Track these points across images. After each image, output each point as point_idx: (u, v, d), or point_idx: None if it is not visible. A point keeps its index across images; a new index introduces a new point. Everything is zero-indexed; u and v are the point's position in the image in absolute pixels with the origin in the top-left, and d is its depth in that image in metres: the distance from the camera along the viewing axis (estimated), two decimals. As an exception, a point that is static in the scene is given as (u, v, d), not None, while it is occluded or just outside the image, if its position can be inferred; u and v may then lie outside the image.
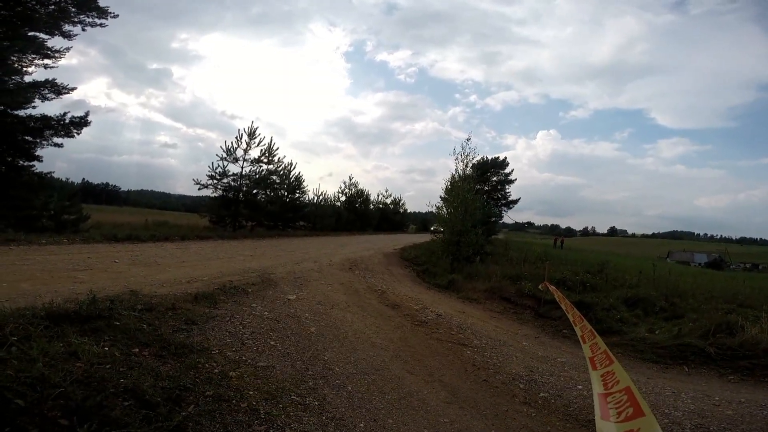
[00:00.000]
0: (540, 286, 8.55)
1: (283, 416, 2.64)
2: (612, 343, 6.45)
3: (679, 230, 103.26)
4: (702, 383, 4.93)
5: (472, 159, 14.08)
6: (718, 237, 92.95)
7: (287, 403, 2.83)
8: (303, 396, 3.03)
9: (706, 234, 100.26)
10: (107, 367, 2.74)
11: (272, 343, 4.03)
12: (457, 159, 13.64)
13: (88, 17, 11.58)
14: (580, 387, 4.27)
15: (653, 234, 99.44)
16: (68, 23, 11.30)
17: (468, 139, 13.96)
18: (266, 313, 4.97)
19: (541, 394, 4.02)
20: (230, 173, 18.19)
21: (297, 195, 22.09)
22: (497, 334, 6.16)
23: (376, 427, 2.90)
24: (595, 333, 2.56)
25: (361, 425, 2.85)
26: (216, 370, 3.06)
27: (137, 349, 3.20)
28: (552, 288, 6.87)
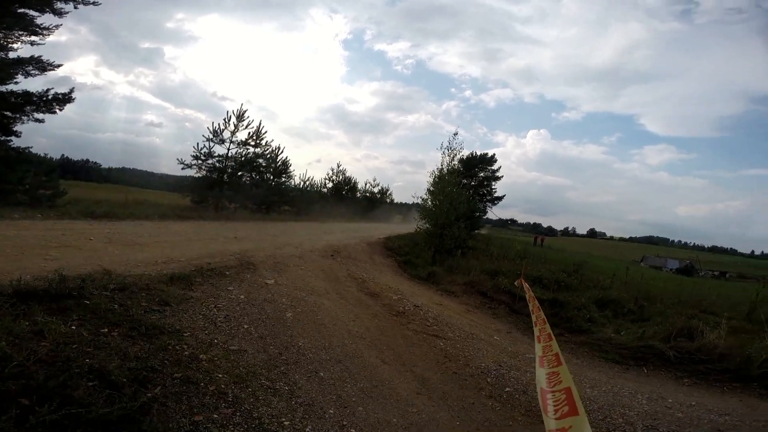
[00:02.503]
0: (516, 283, 8.73)
1: (251, 399, 2.67)
2: (579, 342, 6.67)
3: (655, 236, 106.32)
4: (658, 385, 5.11)
5: (459, 154, 14.15)
6: (692, 244, 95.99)
7: (256, 387, 2.86)
8: (273, 380, 3.06)
9: (680, 241, 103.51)
10: (74, 346, 2.71)
11: (246, 327, 4.03)
12: (444, 153, 13.67)
13: None
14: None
15: (630, 238, 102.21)
16: (61, 0, 10.89)
17: (455, 134, 14.06)
18: (242, 296, 4.96)
19: (507, 389, 4.13)
20: (216, 154, 17.89)
21: (283, 179, 21.90)
22: (471, 327, 6.28)
23: (345, 413, 2.96)
24: (552, 337, 2.67)
25: (331, 411, 2.90)
26: (186, 353, 3.06)
27: (106, 329, 3.16)
28: (526, 286, 7.02)
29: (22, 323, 2.82)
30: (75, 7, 11.23)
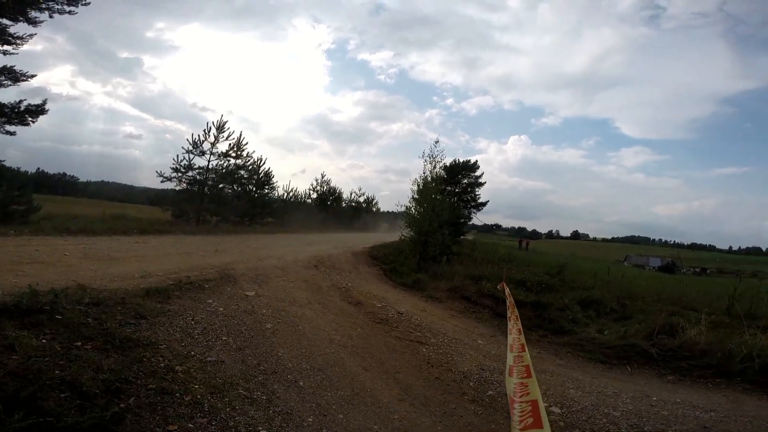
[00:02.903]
0: (498, 286, 8.84)
1: (228, 409, 2.66)
2: (563, 343, 6.74)
3: (636, 235, 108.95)
4: (642, 383, 5.14)
5: (441, 161, 14.34)
6: (672, 242, 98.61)
7: (233, 397, 2.84)
8: (251, 390, 3.04)
9: (661, 239, 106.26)
10: (45, 359, 2.66)
11: (224, 338, 4.00)
12: (426, 161, 13.85)
13: (57, 4, 11.01)
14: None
15: (612, 238, 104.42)
16: (35, 9, 10.72)
17: (437, 142, 14.25)
18: (221, 309, 4.91)
19: (489, 393, 4.16)
20: (196, 166, 17.69)
21: (266, 190, 21.75)
22: (455, 332, 6.33)
23: (325, 421, 2.95)
24: (525, 348, 2.72)
25: (310, 419, 2.90)
26: (162, 364, 3.03)
27: (80, 343, 3.11)
28: (507, 291, 7.11)
29: (-9, 338, 2.76)
30: (50, 16, 11.12)
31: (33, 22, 10.90)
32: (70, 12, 11.30)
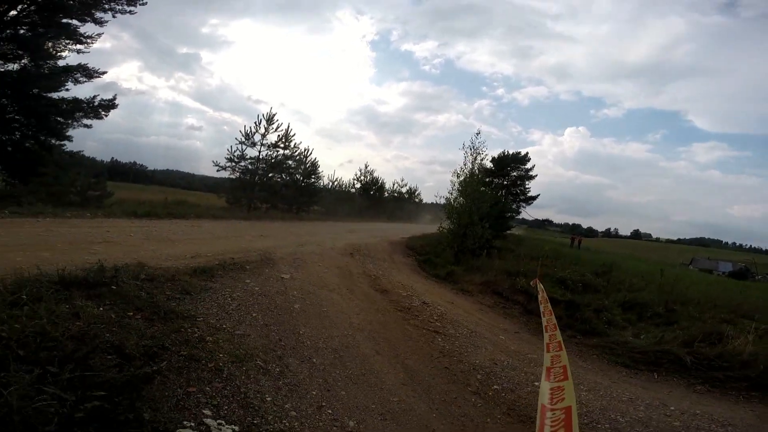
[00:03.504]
0: (531, 283, 8.73)
1: (243, 377, 3.06)
2: (591, 345, 6.60)
3: (706, 237, 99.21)
4: (664, 392, 4.96)
5: (483, 152, 14.10)
6: (748, 246, 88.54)
7: (251, 367, 3.25)
8: (267, 362, 3.45)
9: (734, 243, 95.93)
10: (101, 326, 3.21)
11: (254, 314, 4.46)
12: (466, 152, 13.71)
13: (118, 4, 12.24)
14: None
15: (678, 239, 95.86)
16: (100, 10, 11.98)
17: (478, 133, 13.98)
18: (257, 288, 5.42)
19: (494, 387, 4.27)
20: (248, 157, 18.89)
21: (312, 180, 22.66)
22: (477, 326, 6.44)
23: (328, 396, 3.29)
24: (563, 346, 2.57)
25: (314, 392, 3.25)
26: (196, 335, 3.51)
27: (131, 313, 3.67)
28: (540, 287, 7.01)
29: (62, 306, 3.36)
30: (113, 16, 12.36)
31: (99, 22, 12.15)
32: (130, 12, 12.51)
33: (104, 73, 12.45)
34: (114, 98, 12.29)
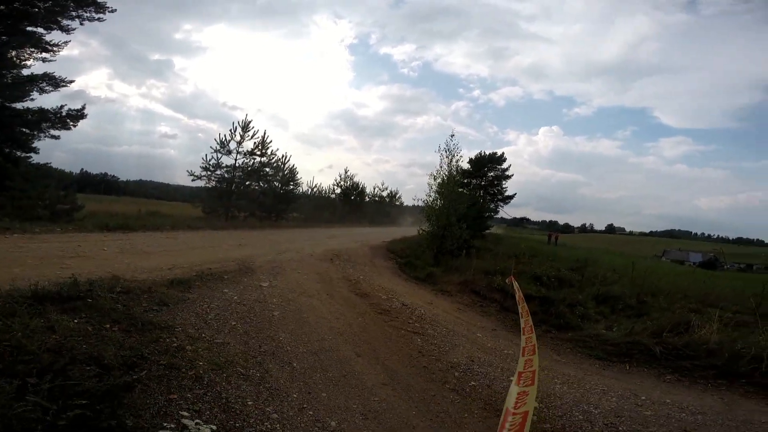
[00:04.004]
0: (507, 281, 8.99)
1: (223, 383, 3.12)
2: (565, 339, 6.80)
3: (677, 229, 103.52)
4: (637, 382, 5.11)
5: (458, 154, 14.37)
6: (716, 237, 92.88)
7: (231, 374, 3.31)
8: (248, 368, 3.51)
9: (703, 233, 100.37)
10: (78, 338, 3.21)
11: (233, 323, 4.50)
12: (442, 155, 13.96)
13: (86, 12, 11.96)
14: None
15: (651, 232, 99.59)
16: (67, 18, 11.70)
17: (452, 135, 14.21)
18: (235, 297, 5.45)
19: (471, 383, 4.41)
20: (224, 165, 18.69)
21: (290, 187, 22.59)
22: (455, 325, 6.62)
23: (309, 398, 3.37)
24: (536, 350, 2.55)
25: (294, 395, 3.33)
26: (174, 344, 3.54)
27: (108, 325, 3.67)
28: (516, 285, 7.24)
29: (37, 320, 3.35)
30: (81, 23, 12.08)
31: (66, 30, 11.88)
32: (98, 19, 12.25)
33: (72, 81, 12.16)
34: (83, 108, 12.01)
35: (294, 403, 3.20)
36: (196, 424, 2.01)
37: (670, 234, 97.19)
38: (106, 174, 54.89)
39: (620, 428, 3.82)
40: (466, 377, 4.56)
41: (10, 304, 3.61)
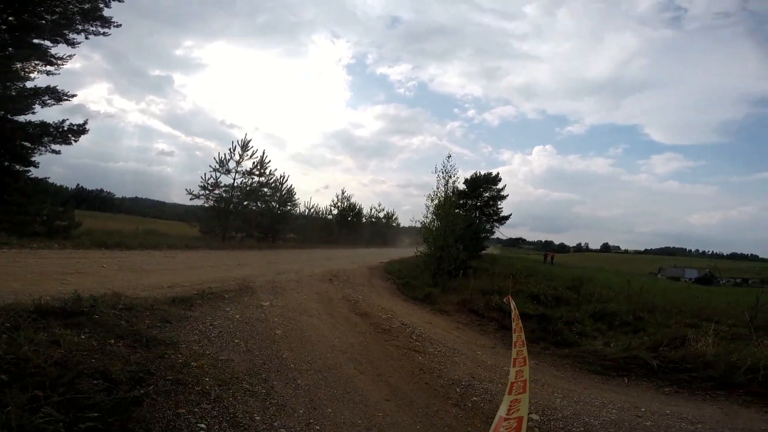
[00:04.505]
0: (504, 300, 9.04)
1: (230, 399, 3.11)
2: (564, 355, 6.84)
3: (671, 246, 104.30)
4: (635, 395, 5.16)
5: (455, 175, 14.57)
6: (710, 253, 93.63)
7: (237, 389, 3.30)
8: (253, 384, 3.50)
9: (698, 250, 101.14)
10: (83, 353, 3.21)
11: (237, 341, 4.50)
12: (438, 176, 14.14)
13: (92, 26, 12.03)
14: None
15: (646, 250, 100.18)
16: (73, 32, 11.73)
17: (449, 156, 14.45)
18: (237, 316, 5.44)
19: (473, 398, 4.41)
20: (222, 184, 18.76)
21: (288, 207, 22.66)
22: (455, 343, 6.61)
23: (315, 414, 3.36)
24: (527, 361, 2.76)
25: (301, 411, 3.31)
26: (180, 360, 3.53)
27: (113, 341, 3.67)
28: (513, 304, 7.31)
29: (41, 334, 3.34)
30: (86, 38, 12.10)
31: (71, 43, 11.86)
32: (104, 33, 12.26)
33: (74, 95, 12.06)
34: (85, 123, 11.84)
35: (301, 418, 3.18)
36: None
37: (666, 251, 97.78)
38: (102, 190, 54.67)
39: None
40: (468, 393, 4.55)
41: (14, 318, 3.60)
